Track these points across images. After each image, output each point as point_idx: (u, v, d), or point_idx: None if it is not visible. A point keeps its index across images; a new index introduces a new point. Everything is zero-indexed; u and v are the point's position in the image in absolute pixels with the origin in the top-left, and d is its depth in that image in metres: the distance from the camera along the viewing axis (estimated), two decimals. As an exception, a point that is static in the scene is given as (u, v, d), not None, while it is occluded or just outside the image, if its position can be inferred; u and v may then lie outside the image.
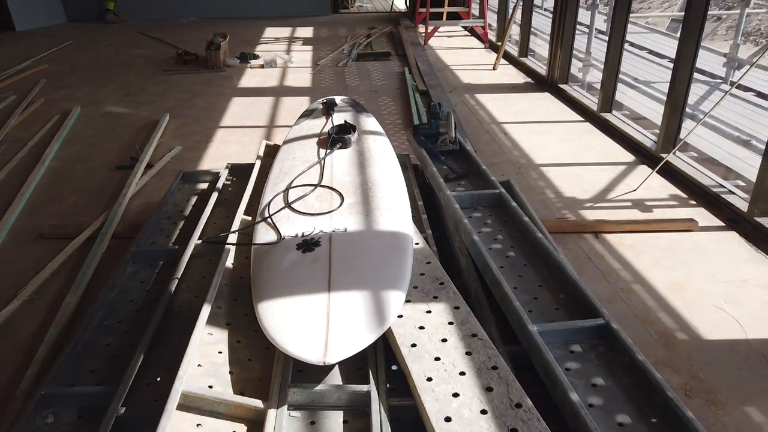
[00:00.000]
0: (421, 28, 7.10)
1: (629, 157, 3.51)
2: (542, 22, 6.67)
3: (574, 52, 4.85)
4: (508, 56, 5.94)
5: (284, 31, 7.73)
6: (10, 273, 2.39)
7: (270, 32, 7.68)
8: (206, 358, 1.45)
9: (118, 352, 1.74)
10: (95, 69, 5.75)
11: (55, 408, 1.52)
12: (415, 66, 5.49)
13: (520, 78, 5.38)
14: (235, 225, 1.99)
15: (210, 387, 1.35)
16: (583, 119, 4.21)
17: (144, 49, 6.71)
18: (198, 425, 1.26)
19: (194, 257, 2.06)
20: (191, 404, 1.28)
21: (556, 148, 3.67)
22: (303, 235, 1.74)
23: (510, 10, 6.05)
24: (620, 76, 4.07)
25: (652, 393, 1.29)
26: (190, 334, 1.51)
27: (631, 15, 3.94)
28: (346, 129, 2.38)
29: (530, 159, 3.51)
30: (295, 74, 5.56)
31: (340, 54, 6.35)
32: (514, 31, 6.27)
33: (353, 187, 2.00)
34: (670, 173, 3.19)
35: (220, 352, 1.48)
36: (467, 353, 1.34)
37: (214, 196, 2.47)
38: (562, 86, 4.77)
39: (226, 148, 3.73)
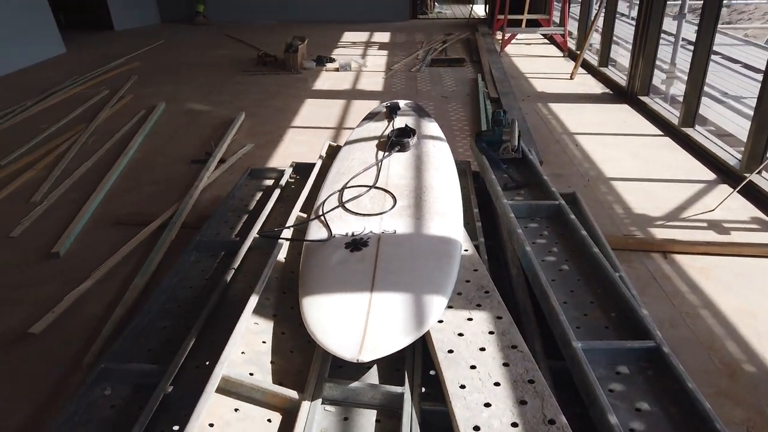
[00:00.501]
0: (499, 35, 7.02)
1: (709, 176, 3.31)
2: (626, 31, 6.41)
3: (657, 62, 4.63)
4: (586, 65, 5.76)
5: (362, 36, 7.86)
6: (88, 254, 2.57)
7: (348, 36, 7.83)
8: (250, 347, 1.51)
9: (174, 334, 1.83)
10: (181, 68, 6.08)
11: (112, 382, 1.62)
12: (489, 73, 5.43)
13: (597, 88, 5.20)
14: (290, 221, 2.05)
15: (251, 374, 1.40)
16: (662, 133, 4.01)
17: (227, 50, 7.02)
18: (236, 410, 1.31)
19: (252, 249, 2.13)
20: (231, 389, 1.33)
21: (630, 162, 3.52)
22: (353, 235, 1.77)
23: (592, 18, 5.86)
24: (707, 89, 3.84)
25: (701, 424, 1.21)
26: (237, 323, 1.57)
27: (726, 26, 3.72)
28: (406, 133, 2.39)
29: (601, 172, 3.39)
30: (368, 78, 5.64)
31: (415, 59, 6.38)
32: (595, 39, 6.07)
33: (407, 190, 2.01)
34: (754, 194, 2.98)
35: (264, 342, 1.53)
36: (504, 364, 1.32)
37: (276, 192, 2.56)
38: (642, 98, 4.56)
39: (295, 148, 3.84)
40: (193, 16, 8.86)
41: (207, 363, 1.61)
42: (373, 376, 1.44)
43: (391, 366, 1.47)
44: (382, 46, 7.21)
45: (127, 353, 1.73)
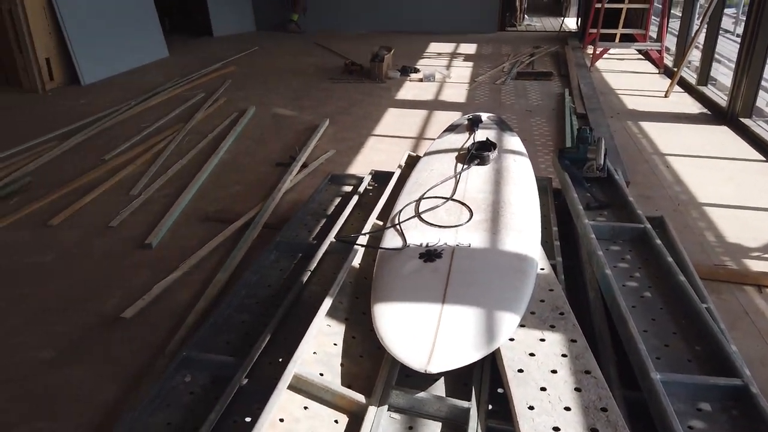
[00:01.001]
0: (589, 49, 6.81)
1: (816, 206, 3.06)
2: (729, 48, 6.04)
3: (763, 83, 4.33)
4: (683, 83, 5.47)
5: (448, 47, 7.87)
6: (178, 247, 2.73)
7: (434, 47, 7.87)
8: (321, 348, 1.55)
9: (252, 329, 1.92)
10: (272, 73, 6.34)
11: (192, 370, 1.72)
12: (577, 88, 5.29)
13: (694, 108, 4.93)
14: (367, 228, 2.09)
15: (321, 374, 1.44)
16: (764, 159, 3.75)
17: (316, 57, 7.24)
18: (305, 407, 1.35)
19: (328, 253, 2.19)
20: (301, 387, 1.38)
21: (726, 187, 3.31)
22: (427, 245, 1.78)
23: (692, 34, 5.57)
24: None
25: (791, 474, 1.12)
26: (311, 323, 1.62)
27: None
28: (487, 146, 2.38)
29: (693, 196, 3.21)
30: (451, 89, 5.65)
31: (500, 72, 6.31)
32: (694, 56, 5.76)
33: (484, 204, 2.00)
34: None
35: (335, 344, 1.57)
36: (576, 389, 1.28)
37: (355, 199, 2.61)
38: (744, 120, 4.28)
39: (375, 155, 3.90)
40: (286, 24, 9.21)
41: (280, 360, 1.67)
42: (439, 388, 1.44)
43: (458, 380, 1.46)
44: (467, 57, 7.19)
45: (207, 344, 1.82)
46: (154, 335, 2.09)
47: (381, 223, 2.17)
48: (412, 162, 2.71)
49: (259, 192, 3.34)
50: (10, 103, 5.13)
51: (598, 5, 6.46)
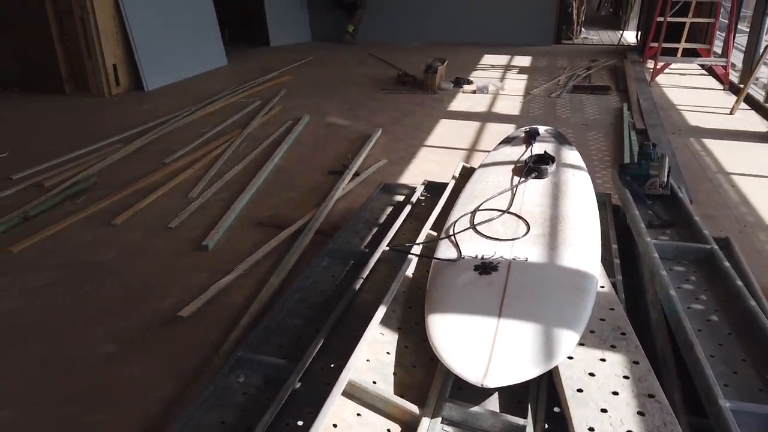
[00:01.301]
0: (650, 64, 6.63)
1: None
2: (801, 65, 5.75)
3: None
4: (750, 101, 5.25)
5: (502, 59, 7.81)
6: (232, 250, 2.79)
7: (487, 59, 7.83)
8: (374, 356, 1.55)
9: (304, 333, 1.94)
10: (326, 83, 6.44)
11: (246, 370, 1.75)
12: (636, 103, 5.15)
13: (762, 126, 4.72)
14: (421, 238, 2.08)
15: (374, 382, 1.44)
16: (838, 180, 3.55)
17: (370, 68, 7.31)
18: (358, 414, 1.35)
19: (381, 262, 2.20)
20: (355, 393, 1.38)
21: (797, 209, 3.15)
22: (482, 258, 1.76)
23: (761, 50, 5.35)
24: None
25: None
26: (365, 330, 1.63)
27: None
28: (545, 159, 2.34)
29: (760, 218, 3.06)
30: (505, 101, 5.59)
31: (555, 85, 6.22)
32: (762, 73, 5.52)
33: (542, 218, 1.96)
34: None
35: (388, 353, 1.56)
36: (639, 413, 1.23)
37: (407, 208, 2.61)
38: (817, 139, 4.07)
39: (426, 166, 3.90)
40: (341, 35, 9.36)
41: (332, 366, 1.68)
42: (493, 403, 1.41)
43: (513, 396, 1.43)
44: (522, 69, 7.11)
45: (260, 346, 1.85)
46: (209, 334, 2.14)
47: (435, 233, 2.16)
48: (466, 173, 2.69)
49: (311, 199, 3.39)
50: (79, 107, 5.39)
51: (660, 19, 6.29)
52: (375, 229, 2.67)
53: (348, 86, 6.31)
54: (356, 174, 3.70)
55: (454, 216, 2.09)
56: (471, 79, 6.34)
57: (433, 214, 2.26)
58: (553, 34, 8.87)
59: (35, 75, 5.86)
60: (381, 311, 1.61)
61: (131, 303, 2.36)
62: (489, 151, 2.74)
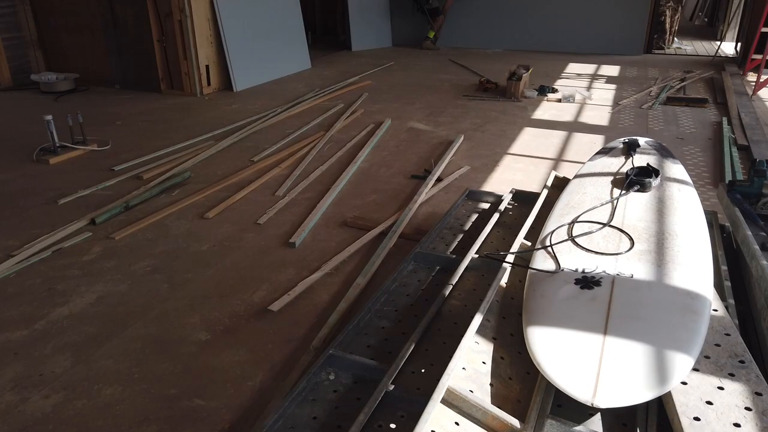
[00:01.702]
0: (751, 77, 6.23)
1: None
2: None
3: None
4: None
5: (588, 68, 7.58)
6: (317, 249, 2.84)
7: (572, 67, 7.61)
8: (470, 365, 1.52)
9: (391, 336, 1.94)
10: (407, 88, 6.46)
11: (336, 368, 1.77)
12: (737, 117, 4.84)
13: None
14: (515, 247, 2.03)
15: (471, 392, 1.41)
16: None
17: (450, 74, 7.28)
18: (456, 423, 1.33)
19: (468, 269, 2.17)
20: (453, 401, 1.36)
21: None
22: (583, 271, 1.69)
23: None
24: None
25: None
26: (456, 337, 1.61)
27: None
28: (647, 172, 2.23)
29: None
30: (592, 111, 5.41)
31: (647, 96, 5.95)
32: None
33: (646, 234, 1.87)
34: None
35: (483, 363, 1.53)
36: (765, 449, 1.14)
37: (496, 216, 2.57)
38: None
39: (510, 174, 3.83)
40: (421, 41, 9.38)
41: (423, 370, 1.67)
42: (596, 424, 1.35)
43: (617, 419, 1.36)
44: (609, 79, 6.86)
45: (349, 344, 1.87)
46: (297, 329, 2.18)
47: (528, 243, 2.11)
48: (558, 183, 2.62)
49: (394, 202, 3.40)
50: (174, 105, 5.68)
51: (765, 29, 5.90)
52: (460, 236, 2.64)
53: (429, 92, 6.30)
54: (439, 179, 3.68)
55: (550, 226, 2.03)
56: (555, 87, 6.18)
57: (526, 222, 2.21)
58: (644, 43, 8.51)
59: (134, 73, 6.23)
60: (477, 319, 1.58)
61: (224, 294, 2.44)
62: (580, 162, 2.66)
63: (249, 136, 4.65)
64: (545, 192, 2.50)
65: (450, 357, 1.71)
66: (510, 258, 1.99)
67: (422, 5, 8.94)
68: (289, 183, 3.67)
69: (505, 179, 3.74)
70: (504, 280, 1.93)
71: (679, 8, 9.31)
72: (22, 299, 2.39)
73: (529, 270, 1.80)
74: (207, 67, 6.04)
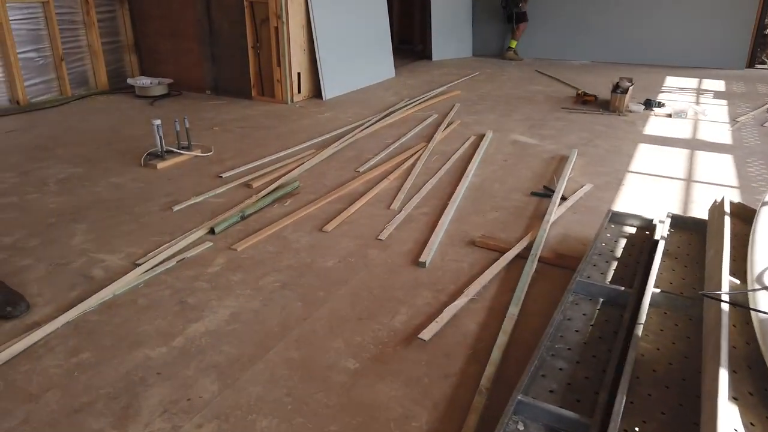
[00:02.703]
0: None
1: None
2: None
3: None
4: None
5: (689, 82, 7.14)
6: (449, 270, 2.64)
7: (672, 81, 7.19)
8: None
9: (573, 380, 1.71)
10: (499, 99, 6.23)
11: (525, 417, 1.56)
12: None
13: None
14: (724, 285, 1.77)
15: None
16: None
17: (541, 86, 7.00)
18: None
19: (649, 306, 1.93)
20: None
21: None
22: (837, 322, 1.42)
23: None
24: None
25: None
26: (664, 389, 1.38)
27: None
28: None
29: None
30: (708, 128, 5.03)
31: (765, 113, 5.50)
32: None
33: None
34: None
35: (735, 430, 1.28)
36: None
37: (662, 245, 2.31)
38: None
39: (639, 195, 3.53)
40: (501, 51, 9.13)
41: (636, 429, 1.44)
42: None
43: None
44: (717, 94, 6.42)
45: (529, 388, 1.66)
46: (451, 363, 1.98)
47: (737, 281, 1.84)
48: (737, 211, 2.33)
49: (518, 221, 3.17)
50: (267, 112, 5.63)
51: None
52: (614, 263, 2.40)
53: (523, 103, 6.04)
54: (563, 198, 3.43)
55: (761, 261, 1.75)
56: (661, 101, 5.81)
57: (724, 256, 1.93)
58: (747, 57, 7.97)
59: (226, 79, 6.24)
60: (724, 376, 1.33)
61: (362, 316, 2.27)
62: (715, 184, 2.37)
63: (349, 146, 4.53)
64: (728, 220, 2.21)
65: (662, 412, 1.48)
66: (726, 297, 1.72)
67: (512, 8, 8.67)
68: (402, 196, 3.49)
69: (635, 199, 3.45)
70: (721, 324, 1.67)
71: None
72: (155, 312, 2.29)
73: (758, 313, 1.54)
74: (299, 74, 5.98)
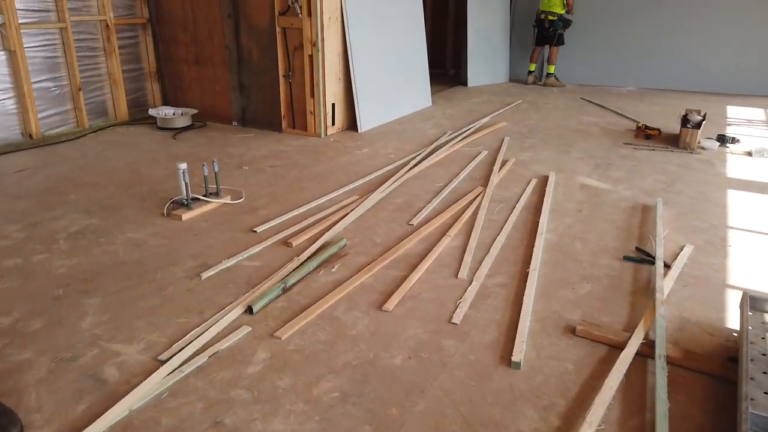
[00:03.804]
0: None
1: None
2: None
3: None
4: None
5: (754, 113, 6.55)
6: (552, 374, 2.08)
7: (734, 111, 6.61)
8: None
9: None
10: (551, 132, 5.69)
11: None
12: None
13: None
14: None
15: None
16: None
17: (592, 116, 6.45)
18: None
19: None
20: None
21: None
22: None
23: None
24: None
25: None
26: None
27: None
28: None
29: None
30: (799, 170, 4.44)
31: None
32: None
33: None
34: None
35: None
36: None
37: None
38: None
39: (755, 261, 2.95)
40: (543, 77, 8.61)
41: None
42: None
43: None
44: (792, 127, 5.83)
45: None
46: None
47: None
48: None
49: (617, 297, 2.61)
50: (300, 147, 5.15)
51: None
52: (778, 375, 1.83)
53: (579, 137, 5.50)
54: (666, 266, 2.86)
55: None
56: (736, 136, 5.23)
57: None
58: (812, 83, 7.37)
59: (254, 110, 5.78)
60: None
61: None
62: None
63: (396, 190, 4.00)
64: None
65: None
66: None
67: (548, 32, 8.13)
68: (469, 260, 2.95)
69: (755, 268, 2.87)
70: None
71: None
72: (184, 441, 1.76)
73: None
74: (333, 105, 5.50)
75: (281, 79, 5.47)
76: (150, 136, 5.52)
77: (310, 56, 5.24)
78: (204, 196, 3.64)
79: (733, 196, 3.88)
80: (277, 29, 5.29)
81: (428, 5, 9.14)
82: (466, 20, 8.20)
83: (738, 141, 5.13)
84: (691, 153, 4.90)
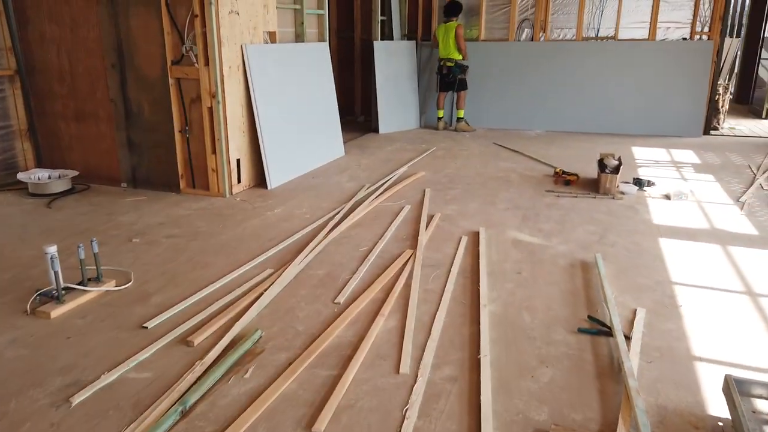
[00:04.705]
0: None
1: None
2: None
3: None
4: None
5: (659, 153, 6.74)
6: (532, 506, 1.66)
7: (640, 153, 6.77)
8: None
9: None
10: (472, 181, 5.47)
11: None
12: None
13: None
14: None
15: None
16: None
17: (508, 162, 6.35)
18: None
19: None
20: None
21: None
22: None
23: None
24: None
25: None
26: None
27: None
28: None
29: None
30: (717, 212, 4.45)
31: (760, 189, 5.05)
32: None
33: None
34: None
35: None
36: None
37: None
38: None
39: (711, 324, 2.74)
40: (453, 122, 8.54)
41: None
42: None
43: None
44: (697, 168, 5.99)
45: None
46: None
47: None
48: None
49: (583, 383, 2.27)
50: (202, 211, 4.54)
51: None
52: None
53: (500, 185, 5.31)
54: (626, 338, 2.57)
55: None
56: (650, 179, 5.26)
57: None
58: (703, 123, 7.78)
59: (147, 169, 5.11)
60: None
61: None
62: None
63: (316, 259, 3.52)
64: None
65: None
66: None
67: (456, 75, 8.08)
68: (410, 347, 2.52)
69: (715, 334, 2.65)
70: None
71: (729, 86, 8.72)
72: None
73: None
74: (238, 161, 4.97)
75: (177, 135, 4.87)
76: (18, 205, 4.69)
77: (210, 108, 4.71)
78: (80, 284, 2.97)
79: (667, 246, 3.75)
80: (171, 80, 4.72)
81: (334, 51, 8.90)
82: (373, 67, 8.00)
83: (653, 184, 5.16)
84: (613, 199, 4.83)
